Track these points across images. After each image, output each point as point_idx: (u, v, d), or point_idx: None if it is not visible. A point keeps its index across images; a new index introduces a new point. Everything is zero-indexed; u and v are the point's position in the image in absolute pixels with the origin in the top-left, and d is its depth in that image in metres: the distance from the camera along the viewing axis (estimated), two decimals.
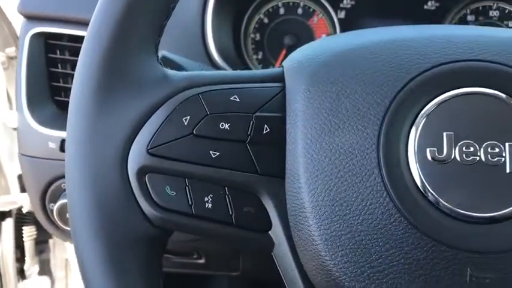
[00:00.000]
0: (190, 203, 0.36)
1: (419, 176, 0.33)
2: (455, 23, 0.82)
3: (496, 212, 0.32)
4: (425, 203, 0.33)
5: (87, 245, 0.35)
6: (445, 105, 0.34)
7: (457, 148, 0.33)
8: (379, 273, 0.32)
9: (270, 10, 0.84)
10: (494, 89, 0.34)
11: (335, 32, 0.82)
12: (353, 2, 0.85)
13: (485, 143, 0.33)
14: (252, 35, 0.85)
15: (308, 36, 0.84)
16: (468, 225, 0.32)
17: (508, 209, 0.32)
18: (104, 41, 0.35)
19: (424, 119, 0.33)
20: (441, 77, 0.34)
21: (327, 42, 0.39)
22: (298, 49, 0.40)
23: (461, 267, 0.32)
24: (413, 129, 0.33)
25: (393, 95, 0.34)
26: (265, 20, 0.85)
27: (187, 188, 0.36)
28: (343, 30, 0.83)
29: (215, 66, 0.69)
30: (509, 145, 0.32)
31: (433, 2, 0.84)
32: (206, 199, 0.36)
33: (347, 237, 0.33)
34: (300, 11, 0.84)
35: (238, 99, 0.37)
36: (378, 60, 0.35)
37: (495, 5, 0.82)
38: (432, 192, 0.33)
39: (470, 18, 0.82)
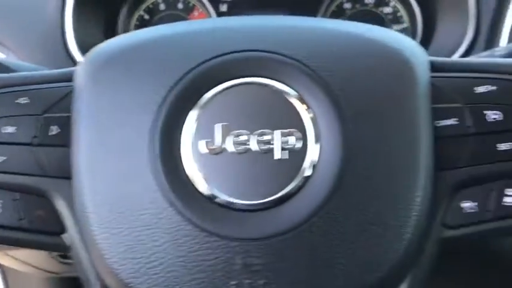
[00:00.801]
0: None
1: (193, 168, 0.33)
2: (332, 11, 0.83)
3: (265, 199, 0.32)
4: (198, 195, 0.33)
5: None
6: (219, 97, 0.34)
7: (229, 139, 0.33)
8: (155, 268, 0.32)
9: (150, 6, 0.84)
10: (267, 78, 0.34)
11: None
12: None
13: (256, 132, 0.33)
14: None
15: None
16: (238, 213, 0.32)
17: (275, 195, 0.32)
18: None
19: (198, 112, 0.34)
20: (215, 69, 0.34)
21: (114, 41, 0.38)
22: (91, 49, 0.39)
23: (233, 256, 0.32)
24: (187, 122, 0.34)
25: (167, 89, 0.34)
26: (146, 16, 0.84)
27: None
28: None
29: None
30: (278, 132, 0.33)
31: None
32: None
33: (125, 234, 0.33)
34: (180, 6, 0.84)
35: (28, 101, 0.36)
36: (155, 55, 0.35)
37: None
38: (205, 184, 0.33)
39: (347, 6, 0.83)
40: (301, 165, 0.33)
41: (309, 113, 0.33)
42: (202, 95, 0.34)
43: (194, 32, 0.36)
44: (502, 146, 0.34)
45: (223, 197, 0.32)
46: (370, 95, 0.34)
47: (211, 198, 0.33)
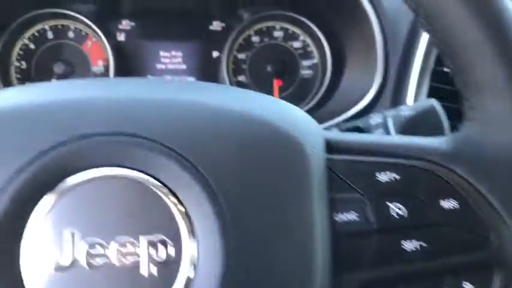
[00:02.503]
0: None
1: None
2: (240, 44, 0.78)
3: None
4: None
5: None
6: (68, 196, 0.27)
7: (80, 249, 0.26)
8: None
9: (36, 34, 0.74)
10: (131, 169, 0.27)
11: (111, 57, 0.74)
12: (133, 23, 0.77)
13: (116, 239, 0.26)
14: (17, 63, 0.74)
15: (83, 62, 0.75)
16: None
17: None
18: None
19: (42, 217, 0.26)
20: (61, 159, 0.27)
21: None
22: None
23: None
24: (29, 225, 0.26)
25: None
26: (31, 46, 0.74)
27: None
28: (119, 54, 0.75)
29: None
30: (144, 240, 0.26)
31: (218, 23, 0.79)
32: None
33: None
34: (71, 34, 0.75)
35: None
36: None
37: (278, 25, 0.79)
38: None
39: (255, 39, 0.78)
40: (173, 281, 0.26)
41: (180, 212, 0.27)
42: (43, 195, 0.27)
43: (56, 105, 0.28)
44: (408, 245, 0.30)
45: None
46: (253, 186, 0.28)
47: None
